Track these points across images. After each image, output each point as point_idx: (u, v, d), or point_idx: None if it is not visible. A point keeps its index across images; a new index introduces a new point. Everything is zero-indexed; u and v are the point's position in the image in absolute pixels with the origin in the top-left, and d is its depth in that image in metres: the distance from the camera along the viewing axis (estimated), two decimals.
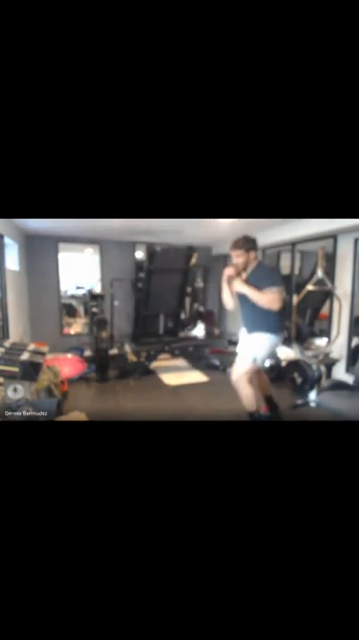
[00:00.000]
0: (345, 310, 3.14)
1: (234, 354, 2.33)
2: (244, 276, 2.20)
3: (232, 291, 2.22)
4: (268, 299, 2.07)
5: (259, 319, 2.18)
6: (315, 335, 4.27)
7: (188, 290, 4.59)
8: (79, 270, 6.21)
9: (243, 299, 2.19)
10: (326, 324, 3.60)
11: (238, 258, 2.19)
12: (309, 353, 3.12)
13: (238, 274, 2.20)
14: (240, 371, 2.23)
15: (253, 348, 2.21)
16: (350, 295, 3.17)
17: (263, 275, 2.16)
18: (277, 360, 3.53)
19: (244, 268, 2.21)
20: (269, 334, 2.18)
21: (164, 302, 3.85)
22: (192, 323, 5.41)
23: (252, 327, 2.25)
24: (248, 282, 2.15)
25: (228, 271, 2.20)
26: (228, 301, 2.27)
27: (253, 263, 2.21)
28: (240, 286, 2.16)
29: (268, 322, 2.15)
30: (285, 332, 4.22)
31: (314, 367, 2.97)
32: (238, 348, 2.40)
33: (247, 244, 2.18)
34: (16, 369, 2.04)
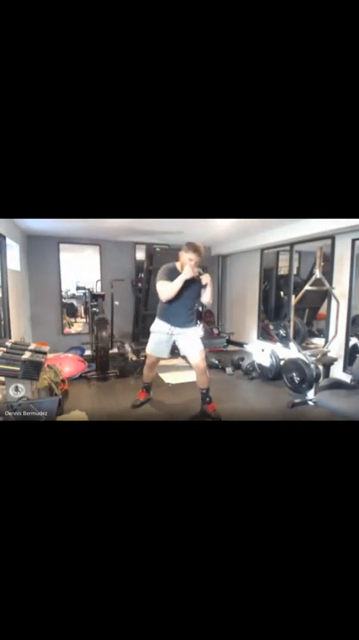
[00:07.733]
0: (343, 310, 3.16)
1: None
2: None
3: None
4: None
5: None
6: (313, 334, 4.30)
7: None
8: (80, 270, 6.23)
9: None
10: (324, 323, 3.62)
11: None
12: (307, 352, 3.14)
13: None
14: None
15: None
16: (348, 295, 3.20)
17: None
18: (276, 359, 3.56)
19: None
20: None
21: None
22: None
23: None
24: None
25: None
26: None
27: None
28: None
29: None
30: (283, 331, 4.31)
31: (312, 366, 3.00)
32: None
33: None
34: (17, 368, 2.07)
